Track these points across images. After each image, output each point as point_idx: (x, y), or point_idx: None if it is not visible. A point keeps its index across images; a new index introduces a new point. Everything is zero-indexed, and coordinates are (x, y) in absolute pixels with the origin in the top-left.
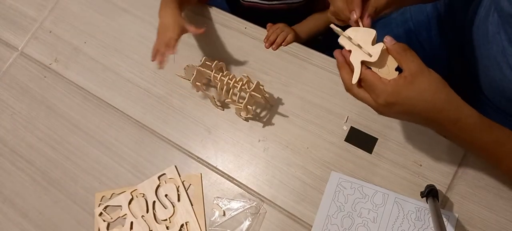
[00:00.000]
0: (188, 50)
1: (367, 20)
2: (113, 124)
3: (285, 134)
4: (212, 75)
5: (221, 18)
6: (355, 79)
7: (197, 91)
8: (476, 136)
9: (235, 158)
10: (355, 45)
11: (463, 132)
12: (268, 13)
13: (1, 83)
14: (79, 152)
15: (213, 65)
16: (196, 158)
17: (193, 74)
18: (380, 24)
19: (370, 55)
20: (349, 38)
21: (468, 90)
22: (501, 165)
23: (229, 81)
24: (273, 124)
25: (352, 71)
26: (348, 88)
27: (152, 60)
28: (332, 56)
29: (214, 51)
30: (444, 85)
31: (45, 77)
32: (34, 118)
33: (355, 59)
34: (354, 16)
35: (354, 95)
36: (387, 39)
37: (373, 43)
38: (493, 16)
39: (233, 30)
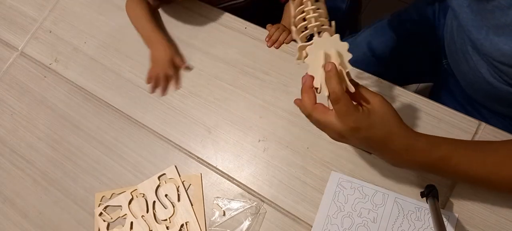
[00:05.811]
0: (189, 51)
1: None
2: (113, 124)
3: (285, 134)
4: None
5: (220, 18)
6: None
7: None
8: (426, 156)
9: (235, 158)
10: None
11: (414, 155)
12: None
13: (1, 83)
14: (79, 152)
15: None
16: (196, 158)
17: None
18: (378, 27)
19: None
20: (328, 56)
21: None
22: (461, 177)
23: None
24: (273, 124)
25: (315, 97)
26: (310, 112)
27: (151, 92)
28: None
29: (214, 51)
30: (397, 113)
31: (45, 77)
32: (34, 118)
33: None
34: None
35: (315, 119)
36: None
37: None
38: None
39: (233, 30)
